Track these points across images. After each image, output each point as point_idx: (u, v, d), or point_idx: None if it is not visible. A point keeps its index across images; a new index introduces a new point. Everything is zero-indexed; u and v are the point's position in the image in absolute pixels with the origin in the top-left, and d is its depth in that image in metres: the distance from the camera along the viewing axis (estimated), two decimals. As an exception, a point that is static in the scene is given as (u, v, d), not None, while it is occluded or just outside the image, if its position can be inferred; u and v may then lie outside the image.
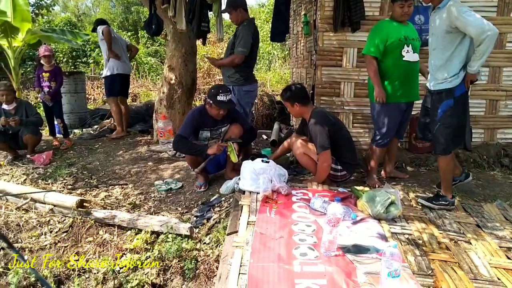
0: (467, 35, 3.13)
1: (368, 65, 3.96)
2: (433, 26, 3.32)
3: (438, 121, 3.38)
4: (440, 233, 3.01)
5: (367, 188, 3.87)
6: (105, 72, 6.34)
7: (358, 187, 3.82)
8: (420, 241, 2.89)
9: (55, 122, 6.25)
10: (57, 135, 6.44)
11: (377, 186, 4.00)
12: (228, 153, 4.06)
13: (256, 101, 8.26)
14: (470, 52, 3.23)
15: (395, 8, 3.83)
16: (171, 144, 4.64)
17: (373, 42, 3.88)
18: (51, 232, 3.87)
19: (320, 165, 3.85)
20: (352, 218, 3.14)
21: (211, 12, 5.63)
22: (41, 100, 6.14)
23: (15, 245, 3.79)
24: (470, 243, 2.90)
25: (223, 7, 4.89)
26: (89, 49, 14.59)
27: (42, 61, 5.87)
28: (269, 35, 5.82)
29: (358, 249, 2.70)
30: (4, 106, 5.33)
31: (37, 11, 14.84)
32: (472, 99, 5.06)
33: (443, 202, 3.45)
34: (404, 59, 3.84)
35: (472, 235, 3.02)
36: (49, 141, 6.10)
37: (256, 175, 3.70)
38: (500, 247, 2.86)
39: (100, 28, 6.21)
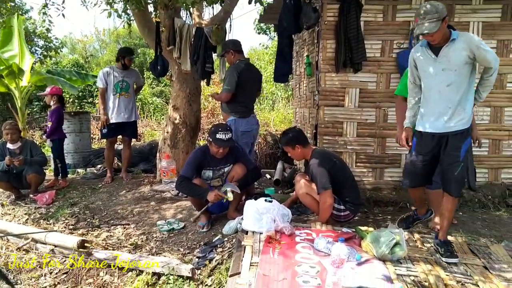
0: (474, 68, 3.12)
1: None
2: (446, 60, 3.12)
3: (462, 161, 3.22)
4: (447, 275, 2.95)
5: (371, 229, 3.82)
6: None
7: (362, 227, 3.76)
8: (426, 283, 2.82)
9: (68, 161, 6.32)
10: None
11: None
12: (224, 201, 4.08)
13: (259, 140, 8.31)
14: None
15: None
16: (174, 184, 4.64)
17: (402, 81, 3.91)
18: (51, 273, 3.82)
19: (322, 205, 3.82)
20: (356, 259, 3.08)
21: (215, 54, 5.77)
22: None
23: (17, 286, 3.74)
24: (478, 286, 2.83)
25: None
26: (95, 90, 14.83)
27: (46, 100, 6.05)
28: (273, 76, 5.92)
29: (363, 292, 2.64)
30: (9, 145, 5.38)
31: (45, 53, 15.20)
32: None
33: (449, 248, 3.33)
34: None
35: (480, 277, 2.95)
36: (49, 180, 6.09)
37: (259, 214, 3.67)
38: (509, 289, 2.80)
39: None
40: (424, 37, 3.11)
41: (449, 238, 3.60)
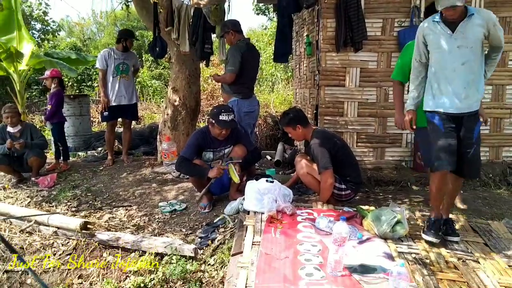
0: (483, 47, 3.01)
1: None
2: (462, 37, 2.94)
3: (475, 143, 3.09)
4: (448, 252, 2.97)
5: (372, 208, 3.83)
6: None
7: (363, 207, 3.78)
8: (428, 261, 2.85)
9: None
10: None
11: None
12: (229, 175, 4.05)
13: (259, 122, 8.29)
14: None
15: None
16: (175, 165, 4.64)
17: (397, 65, 3.71)
18: (54, 254, 3.85)
19: (323, 184, 3.83)
20: (358, 238, 3.11)
21: (214, 35, 5.71)
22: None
23: (19, 268, 3.77)
24: (479, 262, 2.85)
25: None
26: (94, 73, 14.75)
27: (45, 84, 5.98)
28: (272, 56, 5.87)
29: (365, 269, 2.66)
30: (9, 128, 5.36)
31: (43, 36, 15.07)
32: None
33: (452, 226, 3.28)
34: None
35: (480, 254, 2.97)
36: (50, 164, 6.10)
37: (261, 195, 3.68)
38: (509, 266, 2.82)
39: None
40: (446, 11, 2.87)
41: (450, 215, 3.62)
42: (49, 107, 5.92)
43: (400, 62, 3.64)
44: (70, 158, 6.59)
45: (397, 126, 3.66)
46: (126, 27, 18.35)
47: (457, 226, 3.47)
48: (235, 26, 4.75)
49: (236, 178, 3.98)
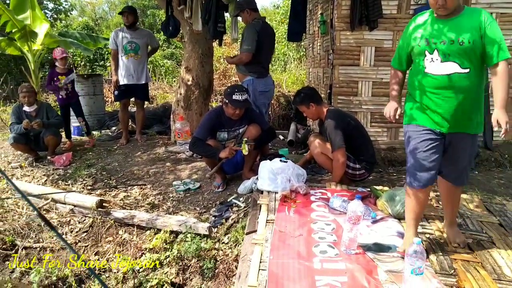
0: None
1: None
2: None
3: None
4: (462, 233, 2.96)
5: (386, 188, 3.82)
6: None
7: (377, 187, 3.78)
8: (442, 241, 2.85)
9: (75, 124, 6.35)
10: (75, 136, 6.55)
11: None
12: (242, 152, 4.05)
13: (272, 101, 8.26)
14: None
15: None
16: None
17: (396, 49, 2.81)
18: (71, 232, 3.93)
19: (335, 163, 3.82)
20: (372, 217, 3.11)
21: (227, 13, 5.65)
22: (58, 103, 6.21)
23: (37, 244, 3.86)
24: (493, 243, 2.84)
25: (238, 8, 4.92)
26: (106, 53, 14.76)
27: (57, 64, 5.94)
28: (285, 36, 5.81)
29: (379, 248, 2.67)
30: (26, 108, 5.41)
31: (55, 16, 15.07)
32: (491, 97, 4.99)
33: None
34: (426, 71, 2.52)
35: (495, 234, 2.96)
36: (64, 143, 6.17)
37: (274, 174, 3.70)
38: (525, 246, 2.81)
39: None
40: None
41: (464, 196, 3.61)
42: (69, 85, 5.96)
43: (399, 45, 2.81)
44: (84, 137, 6.68)
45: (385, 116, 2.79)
46: (138, 6, 18.26)
47: (471, 207, 3.46)
48: (250, 4, 4.70)
49: (245, 150, 3.98)
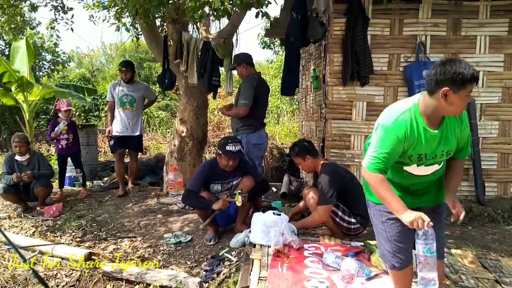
0: None
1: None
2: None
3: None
4: (458, 291, 2.91)
5: (380, 243, 3.77)
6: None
7: (371, 241, 3.73)
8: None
9: (68, 173, 6.32)
10: (67, 186, 6.49)
11: None
12: (235, 204, 4.02)
13: (265, 153, 8.30)
14: None
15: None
16: (181, 197, 4.63)
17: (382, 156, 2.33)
18: (57, 286, 3.80)
19: (314, 215, 3.86)
20: (366, 274, 3.06)
21: (221, 67, 5.80)
22: (57, 152, 6.22)
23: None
24: (490, 301, 2.79)
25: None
26: (101, 103, 14.94)
27: (60, 115, 6.01)
28: (278, 89, 5.94)
29: (374, 306, 2.60)
30: (18, 157, 5.40)
31: (53, 67, 15.35)
32: (484, 152, 5.07)
33: None
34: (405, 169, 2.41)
35: (492, 292, 2.91)
36: (55, 193, 6.09)
37: (267, 227, 3.65)
38: (522, 305, 2.76)
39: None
40: None
41: (459, 252, 3.57)
42: (70, 136, 6.01)
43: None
44: (75, 187, 6.62)
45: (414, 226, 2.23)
46: (134, 59, 18.69)
47: (466, 262, 3.42)
48: (248, 59, 4.83)
49: (239, 202, 3.96)
